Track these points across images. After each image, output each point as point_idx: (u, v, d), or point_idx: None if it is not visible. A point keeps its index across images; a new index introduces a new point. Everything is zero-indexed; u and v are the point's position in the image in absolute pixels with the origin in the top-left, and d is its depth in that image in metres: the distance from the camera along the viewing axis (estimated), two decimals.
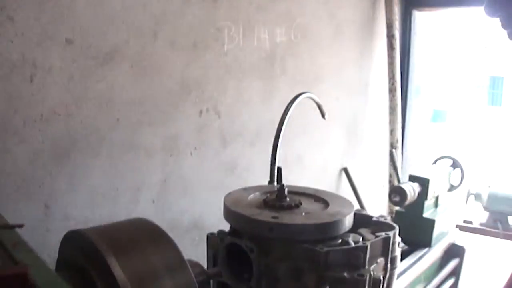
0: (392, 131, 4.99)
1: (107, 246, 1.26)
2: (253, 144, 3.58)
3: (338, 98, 4.39)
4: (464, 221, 5.85)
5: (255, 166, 3.55)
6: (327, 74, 4.26)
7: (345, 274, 1.59)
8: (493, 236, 5.74)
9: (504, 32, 1.01)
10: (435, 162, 3.54)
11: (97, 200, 2.79)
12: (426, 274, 3.00)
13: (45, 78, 2.49)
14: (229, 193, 1.91)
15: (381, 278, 1.68)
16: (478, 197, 5.90)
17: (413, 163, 5.44)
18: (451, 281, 3.27)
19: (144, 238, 1.38)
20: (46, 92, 2.51)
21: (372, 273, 1.64)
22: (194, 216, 3.27)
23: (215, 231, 1.80)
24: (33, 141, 2.49)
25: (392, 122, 4.98)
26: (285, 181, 2.06)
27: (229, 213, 1.77)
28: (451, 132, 20.09)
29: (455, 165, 3.44)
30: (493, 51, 28.39)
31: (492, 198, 5.78)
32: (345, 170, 4.62)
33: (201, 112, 3.23)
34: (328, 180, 4.51)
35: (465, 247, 3.32)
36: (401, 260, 2.81)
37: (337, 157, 4.59)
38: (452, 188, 3.43)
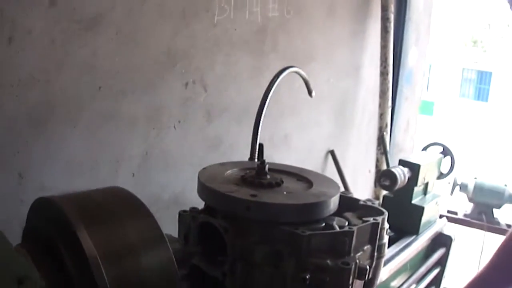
0: (381, 115, 4.93)
1: (78, 216, 1.15)
2: (239, 121, 3.47)
3: (329, 79, 4.31)
4: (448, 211, 5.80)
5: (240, 144, 3.44)
6: (319, 53, 4.17)
7: (328, 261, 1.47)
8: (477, 228, 5.71)
9: None
10: (425, 149, 3.46)
11: (75, 171, 2.68)
12: (412, 262, 2.92)
13: (24, 41, 2.36)
14: (205, 168, 1.80)
15: (367, 267, 1.56)
16: (463, 187, 5.84)
17: (401, 149, 5.40)
18: (436, 271, 3.21)
19: (120, 209, 1.27)
20: (25, 56, 2.38)
21: (357, 261, 1.53)
22: (175, 192, 3.16)
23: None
24: (9, 107, 2.37)
25: (382, 105, 4.91)
26: (268, 160, 1.95)
27: (203, 189, 1.65)
28: (437, 125, 20.18)
29: (445, 152, 3.36)
30: (482, 46, 28.51)
31: (478, 189, 5.72)
32: (332, 152, 4.54)
33: (187, 84, 3.12)
34: (314, 161, 4.42)
35: (452, 236, 3.26)
36: (388, 247, 2.76)
37: (324, 139, 4.51)
38: (441, 176, 3.35)
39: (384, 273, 2.58)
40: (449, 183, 5.68)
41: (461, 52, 30.29)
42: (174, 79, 3.06)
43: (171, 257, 1.23)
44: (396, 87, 5.22)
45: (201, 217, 1.63)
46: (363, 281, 1.62)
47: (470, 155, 14.38)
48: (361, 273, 1.54)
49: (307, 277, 1.45)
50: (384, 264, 2.59)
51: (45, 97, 2.50)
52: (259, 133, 2.33)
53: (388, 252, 2.72)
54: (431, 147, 3.46)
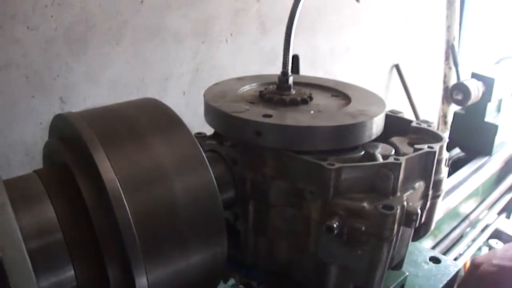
0: (449, 28, 4.59)
1: (96, 135, 0.89)
2: (296, 32, 3.19)
3: None
4: None
5: (300, 57, 3.18)
6: None
7: (365, 204, 1.05)
8: None
9: None
10: (498, 62, 3.13)
11: (120, 93, 2.49)
12: (484, 186, 2.66)
13: None
14: (216, 84, 1.39)
15: (419, 210, 1.09)
16: None
17: (470, 64, 5.04)
18: (509, 196, 2.94)
19: (149, 125, 0.99)
20: None
21: (405, 203, 1.07)
22: None
23: None
24: (45, 28, 2.18)
25: (449, 17, 4.57)
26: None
27: (207, 110, 1.25)
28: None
29: None
30: None
31: None
32: (397, 67, 4.25)
33: None
34: (378, 76, 4.14)
35: None
36: (459, 169, 2.49)
37: (388, 52, 4.20)
38: None
39: (454, 199, 2.33)
40: None
41: None
42: None
43: (211, 182, 0.96)
44: None
45: (206, 144, 1.27)
46: (412, 229, 1.20)
47: None
48: (409, 219, 1.08)
49: (335, 225, 1.04)
50: (454, 189, 2.34)
51: (82, 15, 2.28)
52: (292, 40, 1.97)
53: (459, 175, 2.45)
54: (504, 60, 3.13)
